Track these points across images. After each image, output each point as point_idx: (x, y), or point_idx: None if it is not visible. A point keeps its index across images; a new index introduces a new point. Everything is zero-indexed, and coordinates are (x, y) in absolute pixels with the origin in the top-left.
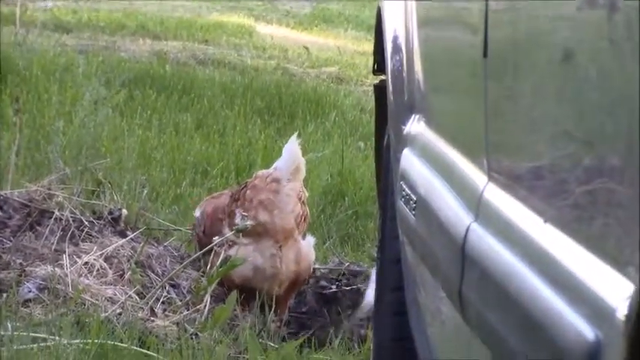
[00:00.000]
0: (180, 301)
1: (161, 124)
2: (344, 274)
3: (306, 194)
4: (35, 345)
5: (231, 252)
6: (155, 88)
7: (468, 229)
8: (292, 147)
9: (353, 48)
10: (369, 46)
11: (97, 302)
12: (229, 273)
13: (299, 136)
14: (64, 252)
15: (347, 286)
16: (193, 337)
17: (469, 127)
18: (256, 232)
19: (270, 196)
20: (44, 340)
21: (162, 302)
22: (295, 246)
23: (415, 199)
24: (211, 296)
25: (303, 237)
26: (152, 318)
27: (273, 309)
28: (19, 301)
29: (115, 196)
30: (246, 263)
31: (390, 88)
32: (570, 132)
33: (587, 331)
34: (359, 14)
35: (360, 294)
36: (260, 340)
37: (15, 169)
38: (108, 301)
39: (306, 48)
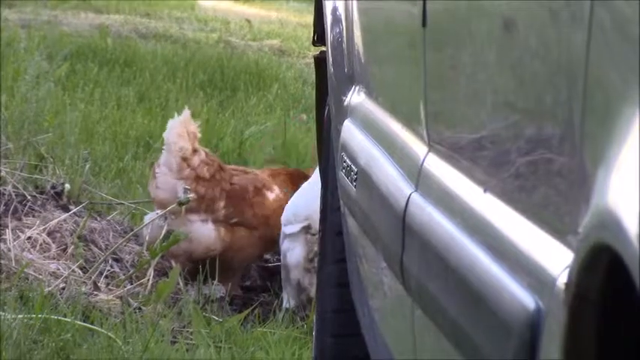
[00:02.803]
0: (124, 275)
1: (103, 97)
2: None
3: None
4: None
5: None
6: (97, 61)
7: (408, 200)
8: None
9: (295, 20)
10: (311, 19)
11: (40, 277)
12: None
13: (241, 109)
14: (7, 227)
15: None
16: (137, 311)
17: (409, 98)
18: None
19: None
20: None
21: (106, 276)
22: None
23: (356, 170)
24: (155, 270)
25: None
26: (95, 292)
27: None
28: None
29: (57, 171)
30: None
31: (330, 59)
32: (510, 102)
33: (527, 300)
34: None
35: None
36: (204, 314)
37: None
38: (51, 275)
39: (248, 21)
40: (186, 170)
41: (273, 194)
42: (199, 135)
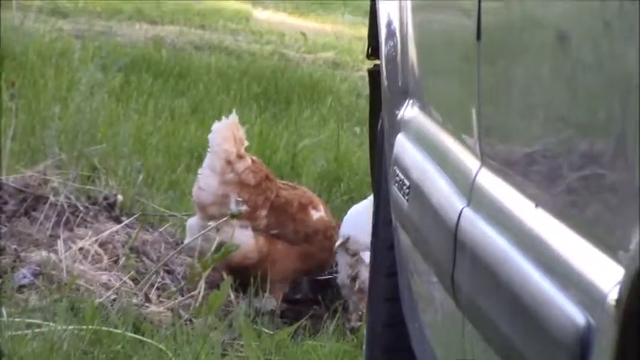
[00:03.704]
0: (175, 287)
1: (157, 109)
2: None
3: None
4: (30, 331)
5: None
6: (151, 73)
7: (460, 214)
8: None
9: (350, 33)
10: (365, 32)
11: (91, 288)
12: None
13: (294, 122)
14: (59, 237)
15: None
16: (188, 323)
17: (462, 112)
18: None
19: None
20: (39, 326)
21: (157, 288)
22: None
23: (408, 184)
24: (206, 282)
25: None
26: (146, 304)
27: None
28: (14, 287)
29: (110, 182)
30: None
31: (384, 72)
32: (563, 117)
33: (578, 316)
34: None
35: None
36: (254, 326)
37: (10, 154)
38: (102, 286)
39: (303, 33)
40: (230, 174)
41: (318, 213)
42: (246, 142)
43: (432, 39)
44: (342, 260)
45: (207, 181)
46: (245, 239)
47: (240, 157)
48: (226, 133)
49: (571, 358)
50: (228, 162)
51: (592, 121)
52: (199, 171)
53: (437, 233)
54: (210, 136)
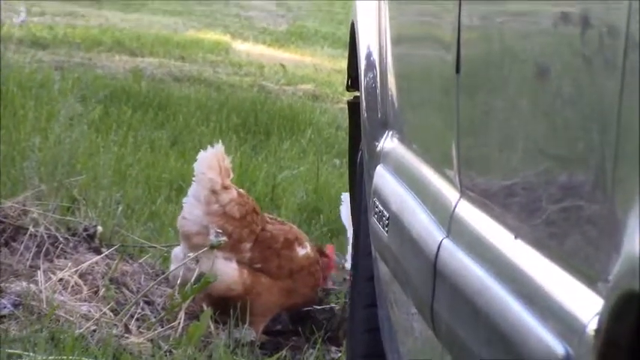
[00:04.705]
0: (155, 317)
1: (136, 140)
2: (318, 292)
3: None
4: None
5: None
6: (131, 104)
7: (440, 246)
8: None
9: (329, 66)
10: (344, 65)
11: (71, 319)
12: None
13: (274, 153)
14: (39, 268)
15: (320, 305)
16: (168, 353)
17: (442, 144)
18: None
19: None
20: (19, 356)
21: (137, 319)
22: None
23: (388, 215)
24: (186, 313)
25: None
26: (126, 335)
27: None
28: None
29: (90, 213)
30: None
31: (364, 104)
32: (542, 149)
33: (557, 346)
34: (335, 32)
35: (333, 312)
36: (234, 357)
37: None
38: (82, 317)
39: (283, 65)
40: (215, 205)
41: (303, 250)
42: (232, 173)
43: (411, 71)
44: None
45: (191, 210)
46: (229, 271)
47: (225, 187)
48: (212, 162)
49: None
50: (213, 192)
51: (571, 154)
52: (184, 200)
53: (416, 264)
54: (195, 165)
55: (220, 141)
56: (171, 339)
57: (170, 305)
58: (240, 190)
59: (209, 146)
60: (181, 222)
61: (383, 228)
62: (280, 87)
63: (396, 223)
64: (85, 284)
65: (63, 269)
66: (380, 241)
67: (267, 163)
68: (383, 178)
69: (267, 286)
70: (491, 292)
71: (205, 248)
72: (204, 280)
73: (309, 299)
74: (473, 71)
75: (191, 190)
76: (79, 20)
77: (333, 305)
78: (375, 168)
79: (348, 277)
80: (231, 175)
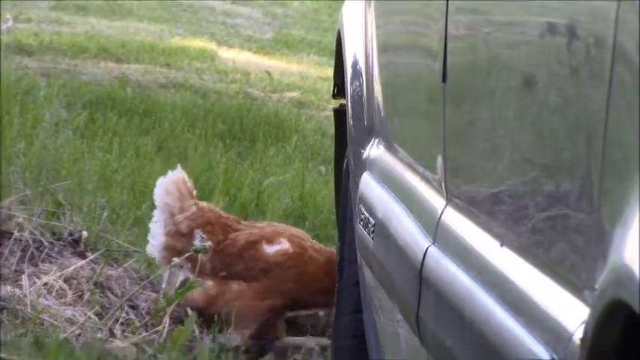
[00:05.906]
0: (139, 322)
1: (122, 147)
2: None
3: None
4: None
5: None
6: (116, 111)
7: (425, 253)
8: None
9: (315, 73)
10: (331, 72)
11: (56, 323)
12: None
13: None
14: (24, 272)
15: (304, 310)
16: (152, 358)
17: (428, 152)
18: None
19: None
20: None
21: (122, 323)
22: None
23: (374, 222)
24: (170, 317)
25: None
26: (111, 339)
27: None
28: None
29: (75, 218)
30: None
31: (350, 112)
32: (528, 157)
33: (543, 354)
34: (321, 40)
35: (318, 318)
36: None
37: None
38: (67, 321)
39: (268, 73)
40: (171, 226)
41: (274, 247)
42: (194, 192)
43: (398, 79)
44: None
45: (154, 234)
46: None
47: (182, 210)
48: (169, 187)
49: None
50: (172, 215)
51: (557, 163)
52: (150, 225)
53: (402, 271)
54: (155, 191)
55: (180, 166)
56: (155, 343)
57: (155, 309)
58: (204, 204)
59: (169, 171)
60: (148, 246)
61: (369, 235)
62: (266, 94)
63: (382, 230)
64: (69, 288)
65: (48, 273)
66: (366, 247)
67: (253, 169)
68: (369, 186)
69: (238, 292)
70: (478, 300)
71: (189, 253)
72: (189, 285)
73: (311, 294)
74: (459, 80)
75: (154, 216)
76: (65, 27)
77: (317, 310)
78: (361, 175)
79: None
80: (194, 194)
